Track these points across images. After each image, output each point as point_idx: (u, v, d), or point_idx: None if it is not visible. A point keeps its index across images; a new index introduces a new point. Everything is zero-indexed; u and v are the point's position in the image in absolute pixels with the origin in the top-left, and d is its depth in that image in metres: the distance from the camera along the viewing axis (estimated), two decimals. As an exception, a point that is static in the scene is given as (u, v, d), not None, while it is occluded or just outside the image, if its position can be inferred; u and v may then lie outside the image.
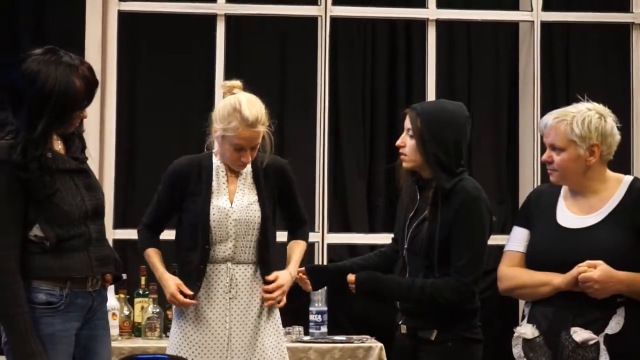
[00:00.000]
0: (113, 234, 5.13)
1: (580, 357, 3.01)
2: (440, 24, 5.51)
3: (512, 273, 3.18)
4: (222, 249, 3.47)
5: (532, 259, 3.16)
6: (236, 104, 3.40)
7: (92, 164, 3.23)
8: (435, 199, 3.29)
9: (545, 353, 3.07)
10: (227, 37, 5.38)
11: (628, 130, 5.34)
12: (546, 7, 5.52)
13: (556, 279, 3.05)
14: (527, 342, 3.12)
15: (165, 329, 4.71)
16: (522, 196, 5.37)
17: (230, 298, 3.47)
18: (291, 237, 3.68)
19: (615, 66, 5.65)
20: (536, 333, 3.10)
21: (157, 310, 4.83)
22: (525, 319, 3.17)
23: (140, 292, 4.92)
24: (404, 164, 3.38)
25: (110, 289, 4.50)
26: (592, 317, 3.02)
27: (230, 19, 5.43)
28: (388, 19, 5.60)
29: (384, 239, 4.89)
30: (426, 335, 3.31)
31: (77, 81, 2.95)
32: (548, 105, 5.11)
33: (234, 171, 3.53)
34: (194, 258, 3.46)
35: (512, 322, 3.95)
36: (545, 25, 5.54)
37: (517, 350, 3.14)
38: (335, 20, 5.46)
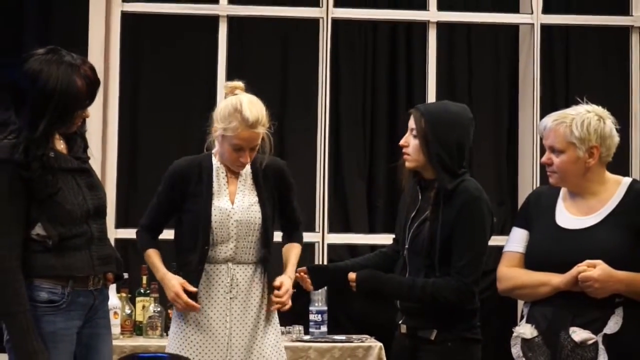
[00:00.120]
0: (115, 233, 5.13)
1: (579, 356, 3.01)
2: (441, 26, 5.52)
3: (511, 273, 3.19)
4: (224, 249, 3.48)
5: (532, 260, 3.16)
6: (237, 105, 3.41)
7: (95, 163, 3.24)
8: (437, 199, 3.31)
9: (544, 353, 3.08)
10: (229, 39, 5.38)
11: (627, 132, 5.35)
12: (546, 9, 5.54)
13: (555, 279, 3.06)
14: (526, 342, 3.12)
15: (166, 328, 4.70)
16: (522, 197, 5.38)
17: (231, 298, 3.48)
18: (286, 239, 3.68)
19: (614, 69, 5.65)
20: (535, 333, 3.11)
21: (159, 309, 4.84)
22: (524, 319, 3.17)
23: (142, 291, 4.94)
24: (407, 164, 3.39)
25: (112, 288, 4.52)
26: (591, 317, 3.03)
27: (232, 20, 5.44)
28: (389, 21, 5.61)
29: (384, 239, 4.91)
30: (426, 335, 3.32)
31: (78, 80, 2.95)
32: (547, 107, 5.12)
33: (233, 172, 3.53)
34: (193, 258, 3.47)
35: (511, 322, 3.96)
36: (545, 28, 5.55)
37: (516, 350, 3.14)
38: (336, 22, 5.47)
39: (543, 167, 3.25)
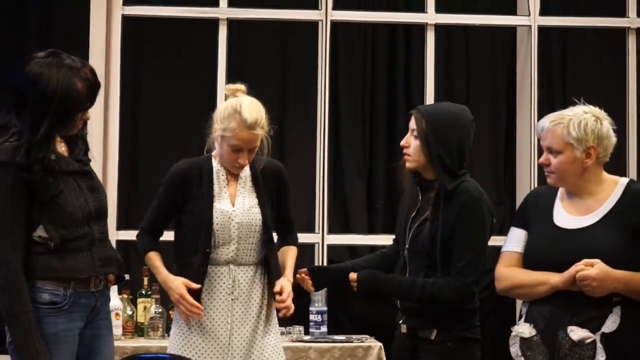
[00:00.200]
0: (116, 235, 5.14)
1: (577, 355, 3.02)
2: (439, 28, 5.53)
3: (510, 273, 3.19)
4: (225, 251, 3.49)
5: (530, 259, 3.17)
6: (237, 106, 3.42)
7: (96, 165, 3.25)
8: (437, 200, 3.32)
9: (543, 352, 3.08)
10: (229, 41, 5.39)
11: (624, 133, 5.36)
12: (543, 11, 5.54)
13: (553, 278, 3.06)
14: (524, 341, 3.13)
15: (168, 329, 4.69)
16: (520, 198, 5.37)
17: (232, 299, 3.49)
18: (282, 242, 3.68)
19: (611, 70, 5.67)
20: (533, 332, 3.11)
21: (160, 310, 4.85)
22: (523, 318, 3.18)
23: (143, 292, 4.95)
24: (407, 164, 3.40)
25: (114, 290, 4.54)
26: (589, 316, 3.03)
27: (232, 23, 5.45)
28: (388, 24, 5.62)
29: (384, 239, 4.93)
30: (426, 335, 3.33)
31: (78, 83, 2.95)
32: (545, 108, 5.14)
33: (233, 174, 3.54)
34: (194, 261, 3.47)
35: (509, 322, 3.96)
36: (542, 30, 5.56)
37: (514, 349, 3.15)
38: (335, 25, 5.48)
39: (541, 167, 3.25)
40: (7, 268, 2.91)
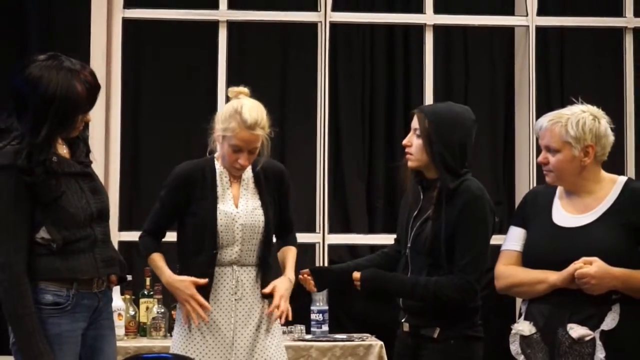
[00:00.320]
0: (118, 236, 5.13)
1: (576, 352, 3.03)
2: (438, 29, 5.54)
3: (509, 271, 3.20)
4: (229, 252, 3.50)
5: (529, 258, 3.18)
6: (238, 107, 3.44)
7: (98, 168, 3.26)
8: (439, 199, 3.33)
9: (542, 349, 3.10)
10: (229, 43, 5.39)
11: (621, 132, 5.36)
12: (541, 12, 5.54)
13: (552, 277, 3.07)
14: (524, 339, 3.14)
15: (170, 329, 4.70)
16: (519, 197, 5.39)
17: (236, 300, 3.50)
18: (282, 242, 3.68)
19: (608, 69, 5.67)
20: (533, 330, 3.13)
21: (162, 310, 4.86)
22: (522, 316, 3.19)
23: (145, 292, 4.95)
24: (410, 163, 3.41)
25: (116, 290, 4.53)
26: (588, 313, 3.05)
27: (232, 25, 5.45)
28: (386, 24, 5.63)
29: (384, 239, 4.95)
30: (428, 333, 3.34)
31: (78, 85, 2.96)
32: (543, 107, 5.14)
33: (235, 176, 3.55)
34: (200, 262, 3.47)
35: (509, 320, 3.97)
36: (540, 30, 5.56)
37: (514, 347, 3.17)
38: (334, 26, 5.48)
39: (539, 166, 3.26)
40: (10, 270, 2.92)
